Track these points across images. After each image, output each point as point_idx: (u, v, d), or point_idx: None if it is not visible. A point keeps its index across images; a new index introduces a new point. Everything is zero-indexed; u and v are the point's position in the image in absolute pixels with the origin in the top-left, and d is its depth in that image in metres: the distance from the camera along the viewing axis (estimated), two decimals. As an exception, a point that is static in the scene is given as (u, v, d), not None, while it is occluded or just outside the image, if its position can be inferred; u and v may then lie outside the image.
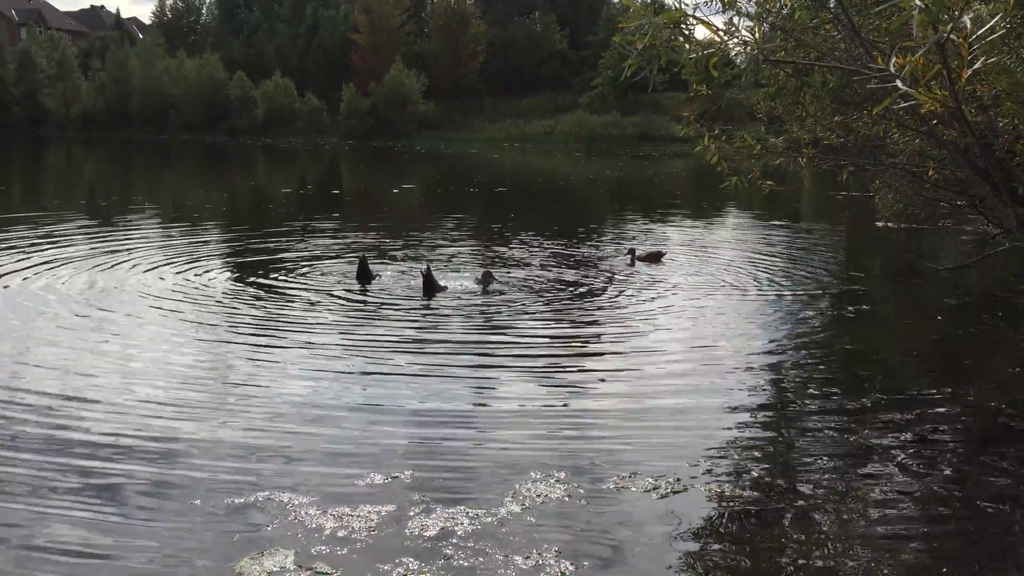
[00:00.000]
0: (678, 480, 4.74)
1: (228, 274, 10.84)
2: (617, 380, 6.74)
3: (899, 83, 3.01)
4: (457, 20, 65.89)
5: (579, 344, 7.94)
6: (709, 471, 4.89)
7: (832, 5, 5.19)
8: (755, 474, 4.90)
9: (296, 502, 4.40)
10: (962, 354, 7.90)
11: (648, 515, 4.37)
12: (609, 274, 11.27)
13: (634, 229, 16.84)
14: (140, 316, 8.52)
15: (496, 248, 13.62)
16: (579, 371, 7.06)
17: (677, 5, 4.12)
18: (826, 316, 9.09)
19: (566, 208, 22.58)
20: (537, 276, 11.08)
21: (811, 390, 6.54)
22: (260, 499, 4.44)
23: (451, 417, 5.81)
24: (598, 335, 8.26)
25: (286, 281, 10.42)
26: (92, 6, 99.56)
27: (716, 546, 4.11)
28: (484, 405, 6.14)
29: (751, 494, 4.62)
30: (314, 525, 4.17)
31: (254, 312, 8.79)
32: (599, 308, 9.30)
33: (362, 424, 5.64)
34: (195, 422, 5.59)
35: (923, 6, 2.79)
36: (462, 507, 4.37)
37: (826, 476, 4.86)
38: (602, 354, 7.56)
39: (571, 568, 3.82)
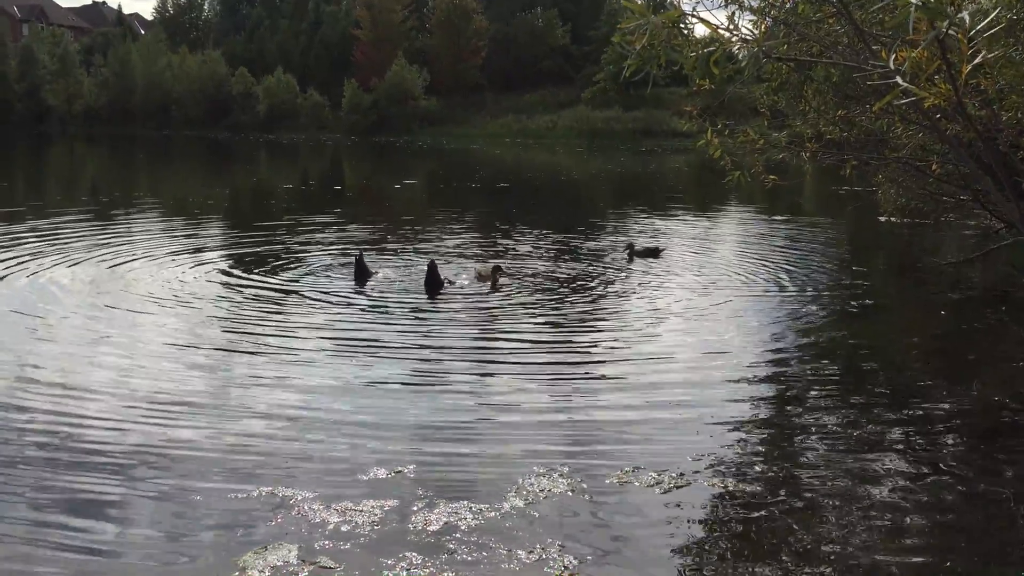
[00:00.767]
0: (681, 475, 4.74)
1: (229, 270, 10.84)
2: (619, 374, 6.74)
3: (899, 79, 3.00)
4: (459, 15, 65.79)
5: (582, 338, 7.94)
6: (712, 466, 4.90)
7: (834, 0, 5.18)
8: (758, 468, 4.91)
9: (299, 497, 4.41)
10: (965, 349, 7.89)
11: (651, 510, 4.38)
12: (609, 269, 11.27)
13: (636, 224, 16.82)
14: (141, 312, 8.52)
15: (499, 243, 13.62)
16: (581, 365, 7.06)
17: (676, 4, 4.12)
18: (828, 311, 9.08)
19: (568, 204, 22.57)
20: (539, 272, 11.08)
21: (814, 385, 6.54)
22: (263, 494, 4.45)
23: (454, 412, 5.81)
24: (600, 329, 8.26)
25: (286, 276, 10.43)
26: (94, 2, 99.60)
27: (719, 541, 4.11)
28: (487, 400, 6.14)
29: (754, 488, 4.63)
30: (317, 520, 4.18)
31: (255, 306, 8.80)
32: (602, 302, 9.30)
33: (365, 420, 5.64)
34: (197, 416, 5.60)
35: (919, 3, 2.78)
36: (465, 502, 4.38)
37: (829, 471, 4.86)
38: (605, 348, 7.56)
39: (574, 562, 3.83)
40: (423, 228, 15.65)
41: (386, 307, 8.93)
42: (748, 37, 4.06)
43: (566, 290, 9.93)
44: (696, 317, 8.71)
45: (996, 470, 4.90)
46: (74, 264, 10.93)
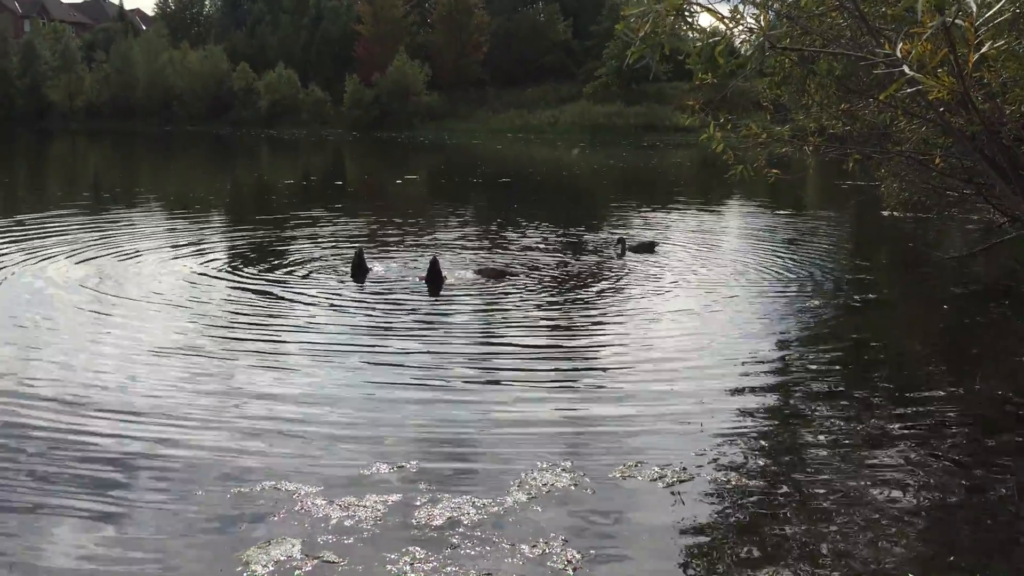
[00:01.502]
0: (684, 469, 4.73)
1: (230, 265, 10.84)
2: (622, 368, 6.73)
3: (906, 68, 2.99)
4: (460, 10, 65.70)
5: (584, 332, 7.93)
6: (715, 460, 4.89)
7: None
8: (761, 463, 4.90)
9: (302, 492, 4.40)
10: (969, 343, 7.87)
11: (654, 504, 4.37)
12: (612, 264, 11.25)
13: (638, 219, 16.80)
14: (144, 307, 8.52)
15: (499, 239, 13.60)
16: (584, 359, 7.05)
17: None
18: (831, 305, 9.06)
19: (569, 199, 22.54)
20: (541, 267, 11.06)
21: (817, 379, 6.53)
22: (266, 489, 4.45)
23: (456, 406, 5.80)
24: (603, 323, 8.25)
25: (286, 272, 10.42)
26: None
27: (722, 535, 4.10)
28: (489, 395, 6.13)
29: (757, 483, 4.62)
30: (321, 515, 4.17)
31: (255, 301, 8.79)
32: (604, 296, 9.29)
33: (367, 414, 5.64)
34: (199, 411, 5.59)
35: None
36: (468, 496, 4.37)
37: (833, 465, 4.85)
38: (607, 342, 7.54)
39: (577, 556, 3.82)
40: (424, 223, 15.63)
41: (387, 303, 8.92)
42: (753, 27, 4.04)
43: (569, 284, 9.91)
44: (699, 311, 8.70)
45: (1000, 464, 4.89)
46: (75, 260, 10.92)
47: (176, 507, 4.30)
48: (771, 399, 6.10)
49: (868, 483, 4.60)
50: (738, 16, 4.13)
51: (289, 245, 12.63)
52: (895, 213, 14.70)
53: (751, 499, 4.45)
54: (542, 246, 12.80)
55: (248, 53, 69.31)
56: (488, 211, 18.60)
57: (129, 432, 5.24)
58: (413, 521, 4.13)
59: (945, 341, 8.10)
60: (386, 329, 7.86)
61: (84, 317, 8.09)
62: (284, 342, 7.37)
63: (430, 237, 13.68)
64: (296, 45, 70.00)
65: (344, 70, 63.61)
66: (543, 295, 9.34)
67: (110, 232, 13.56)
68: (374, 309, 8.67)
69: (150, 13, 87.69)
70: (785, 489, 4.56)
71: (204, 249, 12.20)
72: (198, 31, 78.46)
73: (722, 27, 4.19)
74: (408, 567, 3.73)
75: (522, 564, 3.77)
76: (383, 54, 62.70)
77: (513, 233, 14.19)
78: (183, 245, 12.50)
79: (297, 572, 3.69)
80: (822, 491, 4.52)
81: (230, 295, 9.15)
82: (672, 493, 4.48)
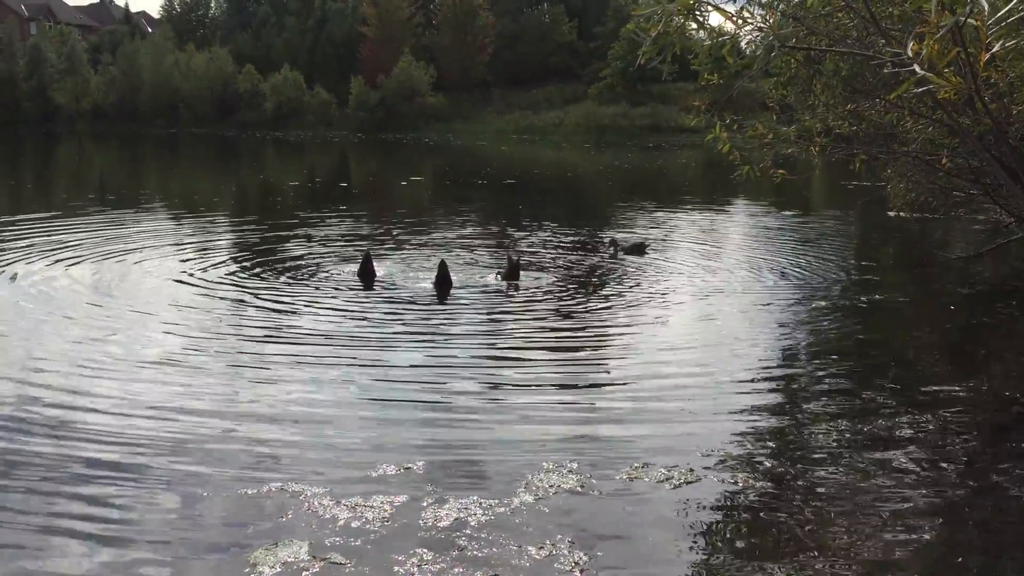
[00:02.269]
0: (691, 470, 4.72)
1: (236, 268, 10.85)
2: (628, 368, 6.72)
3: (916, 67, 2.98)
4: (465, 12, 65.72)
5: (590, 332, 7.92)
6: (722, 461, 4.88)
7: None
8: (768, 464, 4.89)
9: (309, 493, 4.40)
10: (976, 343, 7.85)
11: (661, 505, 4.36)
12: (615, 264, 11.24)
13: (644, 220, 16.77)
14: (149, 308, 8.53)
15: (504, 239, 13.59)
16: (590, 359, 7.05)
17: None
18: (838, 306, 9.04)
19: (575, 200, 22.53)
20: (549, 267, 11.06)
21: (824, 380, 6.51)
22: (274, 490, 4.45)
23: (463, 408, 5.81)
24: (609, 323, 8.24)
25: (292, 274, 10.43)
26: (101, 0, 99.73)
27: (729, 536, 4.09)
28: (495, 397, 6.13)
29: (764, 484, 4.61)
30: (328, 516, 4.17)
31: (261, 304, 8.80)
32: (610, 296, 9.28)
33: (374, 416, 5.64)
34: (205, 414, 5.60)
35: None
36: (475, 498, 4.37)
37: (840, 466, 4.84)
38: (613, 343, 7.54)
39: (585, 558, 3.82)
40: (430, 225, 15.63)
41: (395, 305, 8.92)
42: (762, 26, 4.03)
43: (575, 285, 9.90)
44: (705, 311, 8.69)
45: (1007, 465, 4.87)
46: (81, 262, 10.94)
47: (183, 509, 4.30)
48: (778, 400, 6.09)
49: (876, 484, 4.59)
50: (746, 16, 4.12)
51: (294, 247, 12.64)
52: (901, 213, 14.67)
53: (759, 500, 4.44)
54: (549, 248, 12.78)
55: (253, 55, 69.38)
56: (495, 212, 18.58)
57: (132, 434, 5.24)
58: (420, 522, 4.13)
59: (951, 342, 8.07)
60: (394, 332, 7.86)
61: (88, 320, 8.10)
62: (290, 344, 7.38)
63: (436, 238, 13.67)
64: (301, 47, 70.07)
65: (349, 72, 63.64)
66: (552, 297, 9.33)
67: (115, 234, 13.58)
68: (383, 313, 8.66)
69: (156, 15, 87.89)
70: (792, 490, 4.55)
71: (209, 251, 12.22)
72: (203, 33, 78.55)
73: (729, 27, 4.19)
74: (415, 568, 3.73)
75: (529, 566, 3.76)
76: (388, 56, 62.72)
77: (520, 233, 14.18)
78: (188, 247, 12.52)
79: (304, 573, 3.68)
80: (830, 492, 4.51)
81: (236, 298, 9.15)
82: (679, 495, 4.47)
